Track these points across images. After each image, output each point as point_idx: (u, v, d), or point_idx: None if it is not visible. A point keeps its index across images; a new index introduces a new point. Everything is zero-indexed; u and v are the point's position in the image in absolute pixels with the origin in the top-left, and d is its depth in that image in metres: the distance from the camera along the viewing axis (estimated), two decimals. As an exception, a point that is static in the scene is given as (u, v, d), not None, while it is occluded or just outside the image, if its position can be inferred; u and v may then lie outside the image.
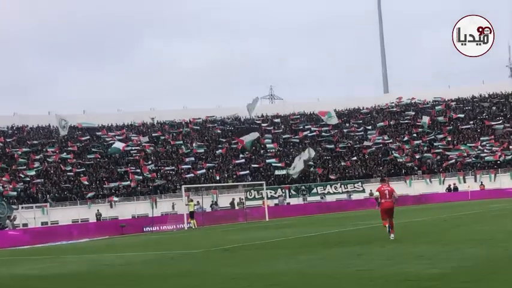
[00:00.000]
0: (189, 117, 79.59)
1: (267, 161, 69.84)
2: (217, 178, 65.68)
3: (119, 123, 76.70)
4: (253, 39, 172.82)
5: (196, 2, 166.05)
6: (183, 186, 40.64)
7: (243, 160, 70.12)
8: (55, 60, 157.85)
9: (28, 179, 61.28)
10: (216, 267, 13.42)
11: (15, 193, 58.01)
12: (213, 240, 24.04)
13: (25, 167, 62.96)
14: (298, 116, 79.88)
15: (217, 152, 71.97)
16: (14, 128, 71.68)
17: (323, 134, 74.72)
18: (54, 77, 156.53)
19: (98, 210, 55.03)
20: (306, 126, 76.64)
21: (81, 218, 56.00)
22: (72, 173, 63.45)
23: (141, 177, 65.28)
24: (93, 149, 69.50)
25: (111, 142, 70.09)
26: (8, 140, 68.01)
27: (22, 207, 53.71)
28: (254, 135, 69.87)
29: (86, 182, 62.74)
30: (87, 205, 58.80)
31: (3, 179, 59.28)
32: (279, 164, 68.98)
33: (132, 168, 66.63)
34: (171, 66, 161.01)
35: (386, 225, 17.82)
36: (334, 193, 62.53)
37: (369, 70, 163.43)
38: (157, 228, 37.31)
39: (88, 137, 71.86)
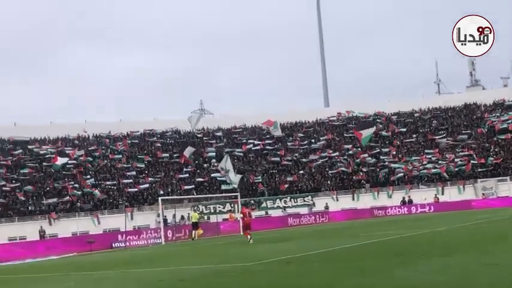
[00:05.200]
0: (126, 130, 76.46)
1: (212, 175, 67.90)
2: (162, 192, 63.02)
3: (52, 136, 72.53)
4: (183, 50, 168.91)
5: (125, 13, 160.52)
6: (159, 198, 38.12)
7: (187, 174, 67.85)
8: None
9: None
10: (336, 280, 11.56)
11: None
12: (243, 252, 21.83)
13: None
14: (240, 130, 78.39)
15: (158, 166, 69.33)
16: None
17: (267, 147, 73.58)
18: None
19: (41, 227, 51.07)
20: (249, 140, 75.26)
21: (19, 236, 52.09)
22: (7, 188, 59.03)
23: (80, 193, 61.77)
24: (27, 163, 65.12)
25: (47, 157, 66.24)
26: None
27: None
28: (190, 149, 67.96)
29: (23, 198, 58.57)
30: (25, 222, 54.87)
31: None
32: (224, 178, 67.15)
33: (70, 183, 62.91)
34: (99, 77, 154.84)
35: (248, 236, 26.66)
36: (285, 207, 61.46)
37: (307, 83, 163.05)
38: (128, 244, 34.64)
39: (21, 150, 67.33)
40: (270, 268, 14.99)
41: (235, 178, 57.50)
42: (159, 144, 74.01)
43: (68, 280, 16.52)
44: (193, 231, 36.41)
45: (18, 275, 20.51)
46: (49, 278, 17.91)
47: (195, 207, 59.56)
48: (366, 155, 69.08)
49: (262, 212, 56.73)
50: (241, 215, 28.92)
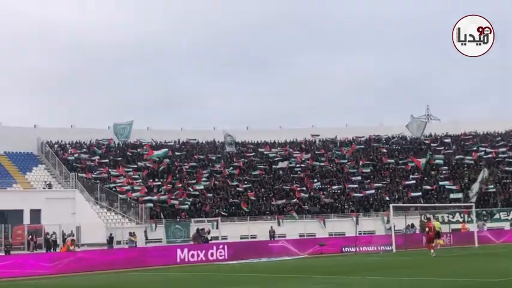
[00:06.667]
0: (352, 135, 76.82)
1: (440, 183, 65.35)
2: (387, 199, 62.12)
3: (280, 140, 75.45)
4: (407, 54, 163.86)
5: (348, 18, 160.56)
6: (391, 205, 37.65)
7: (414, 181, 66.06)
8: (210, 76, 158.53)
9: (197, 193, 61.00)
10: None
11: (186, 206, 57.94)
12: (487, 266, 20.46)
13: (194, 181, 62.81)
14: (471, 136, 74.70)
15: (383, 172, 68.51)
16: (181, 142, 72.18)
17: (501, 155, 69.08)
18: (210, 93, 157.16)
19: (271, 227, 53.07)
20: (481, 148, 71.26)
21: (250, 234, 54.54)
22: (240, 189, 62.49)
23: (307, 195, 63.19)
24: (257, 165, 68.35)
25: (276, 160, 69.27)
26: (176, 153, 68.43)
27: (194, 221, 53.58)
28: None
29: (253, 198, 61.48)
30: (256, 221, 57.41)
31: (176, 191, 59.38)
32: (453, 187, 64.28)
33: (297, 185, 64.69)
34: (326, 82, 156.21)
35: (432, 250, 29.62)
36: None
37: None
38: (358, 249, 34.47)
39: (253, 153, 70.96)
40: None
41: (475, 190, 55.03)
42: (384, 150, 73.18)
43: (312, 283, 16.63)
44: (435, 240, 35.05)
45: (259, 274, 21.22)
46: (289, 279, 18.23)
47: (425, 216, 57.91)
48: None
49: (503, 224, 53.43)
50: (427, 229, 31.62)
